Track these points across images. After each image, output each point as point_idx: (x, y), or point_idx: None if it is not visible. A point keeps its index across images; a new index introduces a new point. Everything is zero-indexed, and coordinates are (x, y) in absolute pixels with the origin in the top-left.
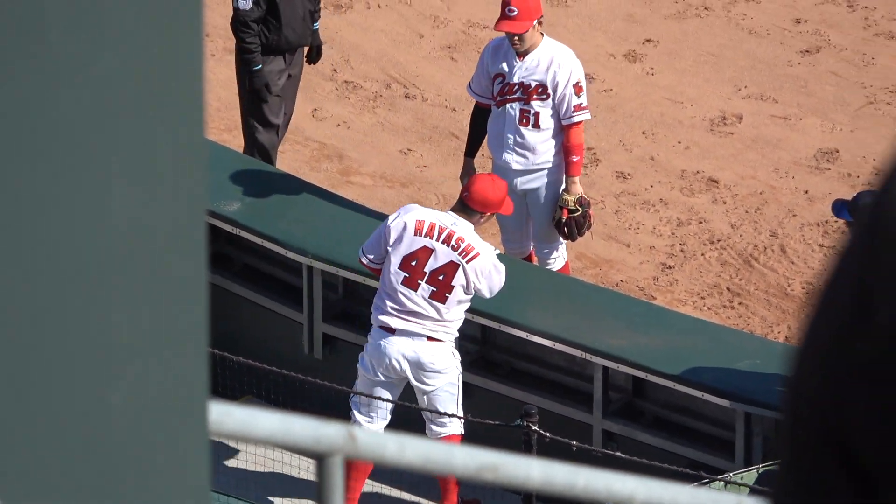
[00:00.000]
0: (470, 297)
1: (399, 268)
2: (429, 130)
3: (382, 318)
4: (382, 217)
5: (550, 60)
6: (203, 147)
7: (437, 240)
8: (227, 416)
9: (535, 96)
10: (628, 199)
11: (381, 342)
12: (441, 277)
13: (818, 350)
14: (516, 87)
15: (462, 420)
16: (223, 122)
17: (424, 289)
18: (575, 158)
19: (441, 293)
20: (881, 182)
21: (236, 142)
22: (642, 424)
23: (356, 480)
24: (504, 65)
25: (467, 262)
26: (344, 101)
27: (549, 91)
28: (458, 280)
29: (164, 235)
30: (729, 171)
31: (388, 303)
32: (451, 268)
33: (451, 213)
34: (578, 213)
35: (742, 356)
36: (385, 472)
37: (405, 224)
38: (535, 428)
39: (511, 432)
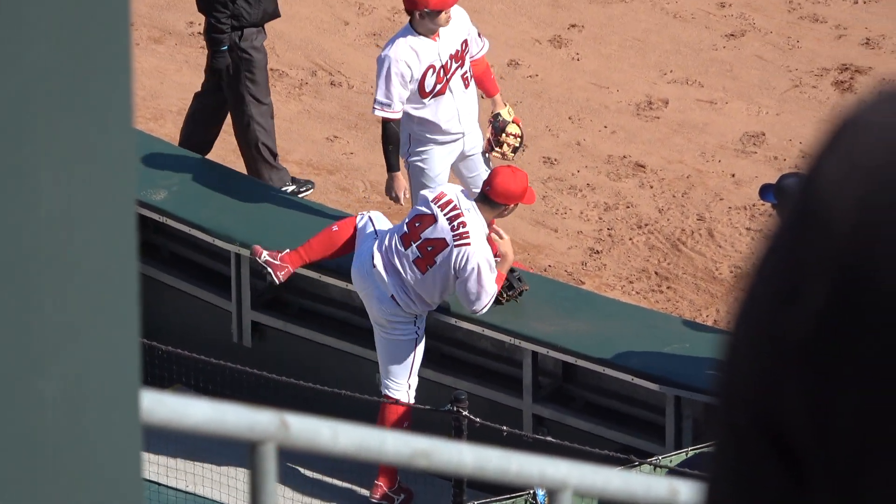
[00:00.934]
0: (445, 286)
1: (406, 223)
2: (355, 118)
3: (376, 249)
4: (309, 206)
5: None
6: (131, 136)
7: (445, 214)
8: (158, 404)
9: (464, 56)
10: (555, 185)
11: (363, 268)
12: (430, 248)
13: (749, 334)
14: (450, 61)
15: (410, 391)
16: (149, 111)
17: (413, 251)
18: (493, 77)
19: (424, 262)
20: (810, 163)
21: (162, 130)
22: (572, 409)
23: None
24: (428, 55)
25: (456, 245)
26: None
27: (468, 41)
28: (442, 258)
29: (93, 225)
30: (656, 156)
31: (385, 241)
32: (441, 244)
33: (473, 201)
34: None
35: (671, 340)
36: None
37: (431, 193)
38: (465, 413)
39: (441, 417)
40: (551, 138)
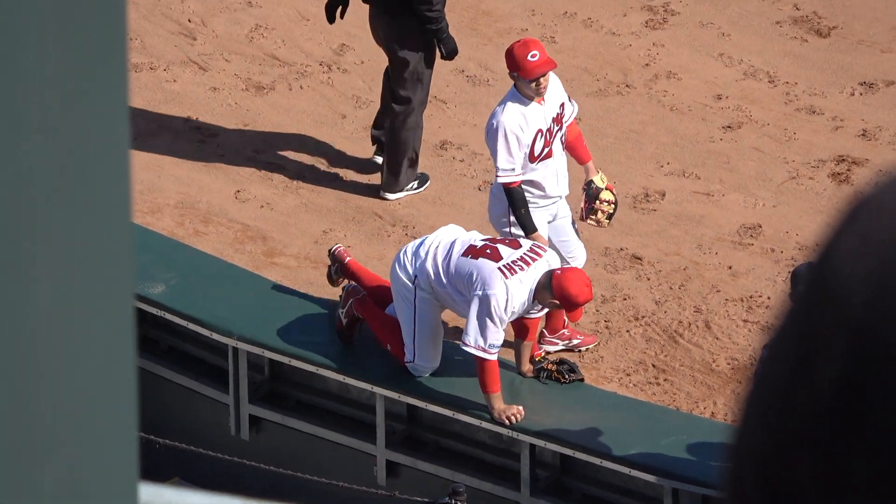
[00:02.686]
0: (459, 281)
1: (483, 238)
2: (352, 211)
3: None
4: (307, 298)
5: (549, 81)
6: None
7: (527, 250)
8: (156, 498)
9: (563, 119)
10: None
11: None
12: (488, 251)
13: (762, 406)
14: (553, 124)
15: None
16: (146, 205)
17: (476, 240)
18: (584, 143)
19: (470, 250)
20: (825, 240)
21: (160, 224)
22: (570, 502)
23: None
24: (535, 119)
25: (500, 268)
26: (267, 183)
27: (564, 104)
28: (483, 260)
29: (92, 319)
30: (652, 248)
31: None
32: (496, 256)
33: (542, 257)
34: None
35: (668, 432)
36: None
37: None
38: None
39: None
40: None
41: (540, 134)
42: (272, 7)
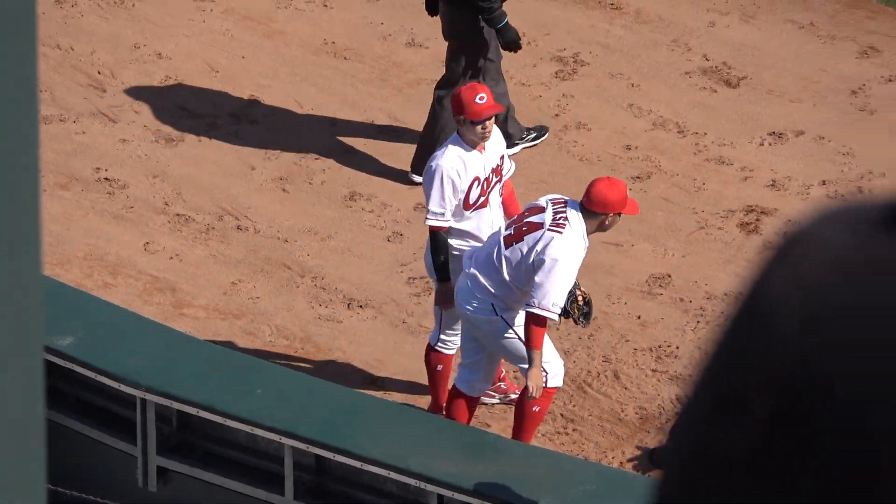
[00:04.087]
0: (527, 266)
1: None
2: (261, 262)
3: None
4: (216, 349)
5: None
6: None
7: (553, 208)
8: None
9: (501, 172)
10: None
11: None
12: (524, 229)
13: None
14: (491, 174)
15: (547, 375)
16: (55, 257)
17: (510, 230)
18: (517, 200)
19: (514, 239)
20: (754, 278)
21: (68, 276)
22: None
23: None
24: (474, 166)
25: (548, 230)
26: (176, 234)
27: (504, 158)
28: (530, 237)
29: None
30: None
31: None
32: (536, 227)
33: (579, 206)
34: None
35: (577, 482)
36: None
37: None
38: None
39: None
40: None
41: (477, 182)
42: (182, 59)
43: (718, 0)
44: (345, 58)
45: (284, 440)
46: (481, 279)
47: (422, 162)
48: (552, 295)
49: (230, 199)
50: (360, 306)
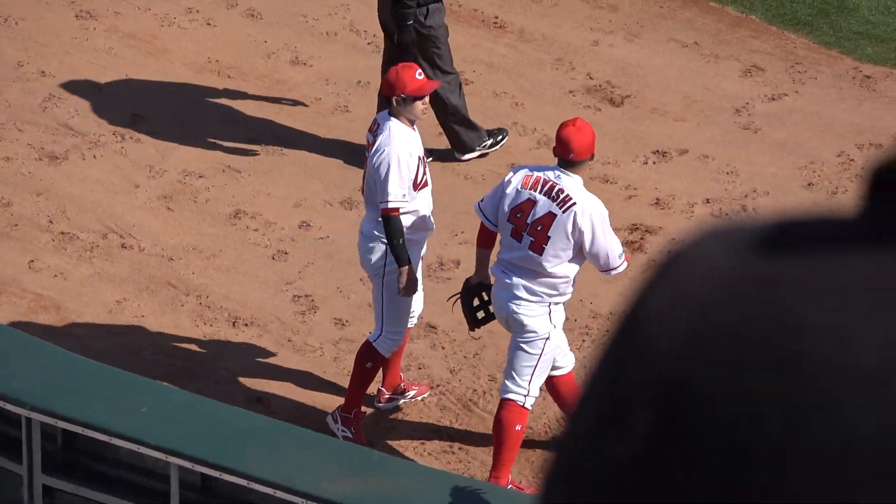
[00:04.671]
0: (570, 252)
1: (508, 220)
2: (146, 280)
3: (496, 266)
4: (101, 367)
5: None
6: None
7: (540, 192)
8: None
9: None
10: (347, 346)
11: (494, 286)
12: (539, 228)
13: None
14: (424, 152)
15: (529, 395)
16: None
17: (526, 239)
18: None
19: (538, 243)
20: (634, 296)
21: None
22: None
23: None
24: (416, 145)
25: (563, 211)
26: (61, 252)
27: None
28: (555, 231)
29: None
30: (447, 317)
31: (502, 252)
32: (548, 218)
33: (556, 168)
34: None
35: (464, 501)
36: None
37: (515, 180)
38: None
39: None
40: (342, 299)
41: (420, 160)
42: (65, 77)
43: (602, 19)
44: (228, 76)
45: (170, 459)
46: (529, 284)
47: (460, 143)
48: (614, 251)
49: (115, 217)
50: (245, 325)
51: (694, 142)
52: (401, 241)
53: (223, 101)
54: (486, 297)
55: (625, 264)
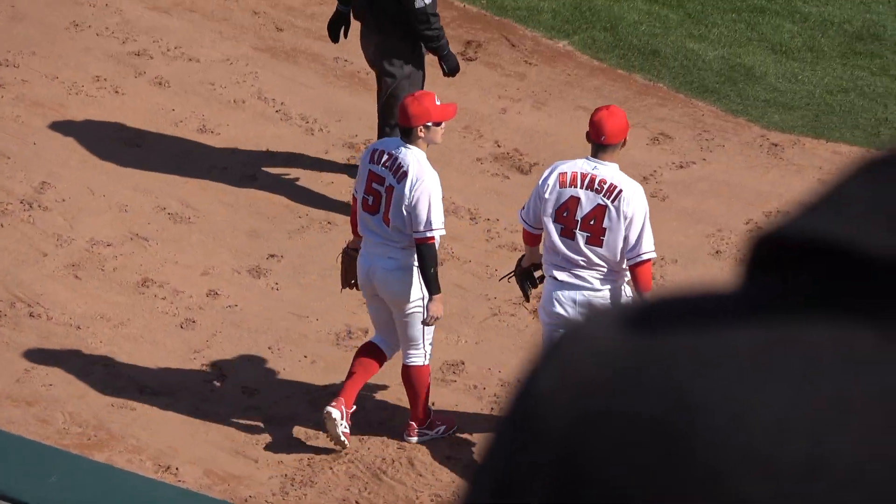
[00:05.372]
0: (624, 237)
1: (555, 221)
2: (54, 349)
3: (552, 271)
4: (8, 436)
5: None
6: None
7: (581, 187)
8: None
9: None
10: (255, 414)
11: (552, 291)
12: (592, 222)
13: None
14: None
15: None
16: None
17: (580, 236)
18: None
19: (596, 237)
20: (525, 375)
21: None
22: None
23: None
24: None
25: (612, 200)
26: None
27: None
28: (608, 221)
29: None
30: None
31: (553, 256)
32: (598, 210)
33: (590, 159)
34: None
35: None
36: None
37: (552, 181)
38: None
39: None
40: (251, 368)
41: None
42: None
43: (510, 87)
44: (137, 144)
45: None
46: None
47: None
48: (647, 238)
49: (22, 286)
50: (154, 393)
51: None
52: (435, 269)
53: (131, 169)
54: (536, 275)
55: (653, 255)
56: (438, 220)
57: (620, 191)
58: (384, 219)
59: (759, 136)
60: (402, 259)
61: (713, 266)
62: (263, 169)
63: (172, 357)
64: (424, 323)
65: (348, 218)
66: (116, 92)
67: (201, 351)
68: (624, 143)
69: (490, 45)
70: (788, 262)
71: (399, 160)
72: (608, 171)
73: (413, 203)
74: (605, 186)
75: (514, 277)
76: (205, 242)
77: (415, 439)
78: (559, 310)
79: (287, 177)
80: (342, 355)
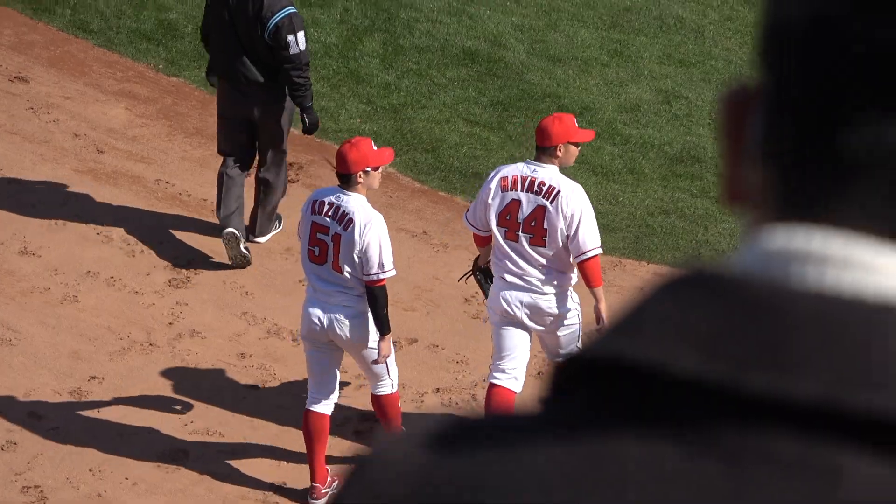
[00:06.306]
0: (565, 237)
1: (498, 225)
2: None
3: (500, 272)
4: None
5: None
6: None
7: (522, 189)
8: None
9: None
10: None
11: (500, 292)
12: (533, 223)
13: None
14: None
15: (598, 245)
16: None
17: (524, 238)
18: None
19: (538, 238)
20: (334, 495)
21: None
22: None
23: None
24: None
25: (550, 201)
26: None
27: None
28: (549, 222)
29: None
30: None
31: (500, 258)
32: (539, 212)
33: (529, 162)
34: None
35: None
36: None
37: (493, 186)
38: None
39: None
40: (72, 490)
41: None
42: None
43: None
44: None
45: None
46: (542, 290)
47: (267, 224)
48: (591, 235)
49: None
50: None
51: (424, 331)
52: (386, 311)
53: None
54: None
55: (599, 250)
56: (389, 261)
57: (559, 191)
58: (334, 267)
59: None
60: (357, 306)
61: (535, 388)
62: (85, 290)
63: None
64: (375, 362)
65: (173, 344)
66: None
67: (22, 473)
68: (568, 147)
69: (311, 167)
70: (594, 383)
71: (342, 208)
72: (547, 172)
73: (364, 248)
74: (545, 188)
75: (472, 277)
76: (25, 364)
77: None
78: (508, 309)
79: (109, 298)
80: (163, 476)
